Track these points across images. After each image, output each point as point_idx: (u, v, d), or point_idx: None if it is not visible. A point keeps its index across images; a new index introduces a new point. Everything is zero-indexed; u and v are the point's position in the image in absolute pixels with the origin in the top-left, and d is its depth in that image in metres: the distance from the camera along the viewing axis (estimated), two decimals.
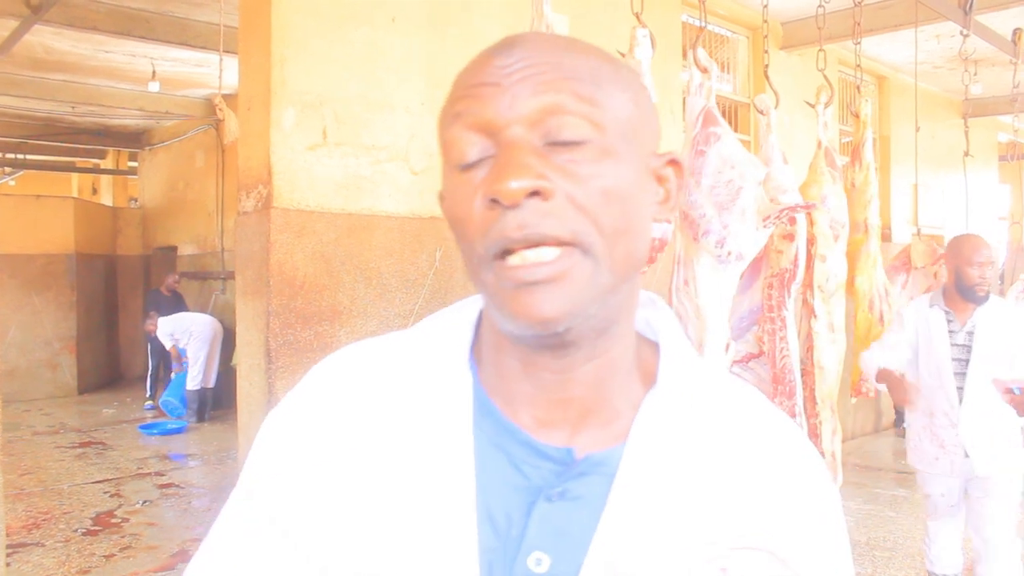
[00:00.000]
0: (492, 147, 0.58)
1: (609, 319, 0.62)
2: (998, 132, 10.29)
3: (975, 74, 4.80)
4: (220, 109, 2.92)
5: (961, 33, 4.69)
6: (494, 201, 0.56)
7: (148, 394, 8.80)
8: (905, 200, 8.06)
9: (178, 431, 7.62)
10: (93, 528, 4.72)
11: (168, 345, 8.11)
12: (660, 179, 0.65)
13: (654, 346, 0.69)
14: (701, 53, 2.81)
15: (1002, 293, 5.74)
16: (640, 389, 0.65)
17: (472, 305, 0.70)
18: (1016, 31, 5.72)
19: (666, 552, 0.59)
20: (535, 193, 0.55)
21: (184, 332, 8.05)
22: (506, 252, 0.56)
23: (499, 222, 0.56)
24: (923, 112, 5.20)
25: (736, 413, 0.66)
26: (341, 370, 0.69)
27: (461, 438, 0.62)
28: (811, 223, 3.09)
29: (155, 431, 7.53)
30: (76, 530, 4.68)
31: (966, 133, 4.63)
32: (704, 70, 2.81)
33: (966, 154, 4.55)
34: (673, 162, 0.65)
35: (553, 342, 0.60)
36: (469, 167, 0.59)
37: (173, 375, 8.24)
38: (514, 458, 0.62)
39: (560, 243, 0.56)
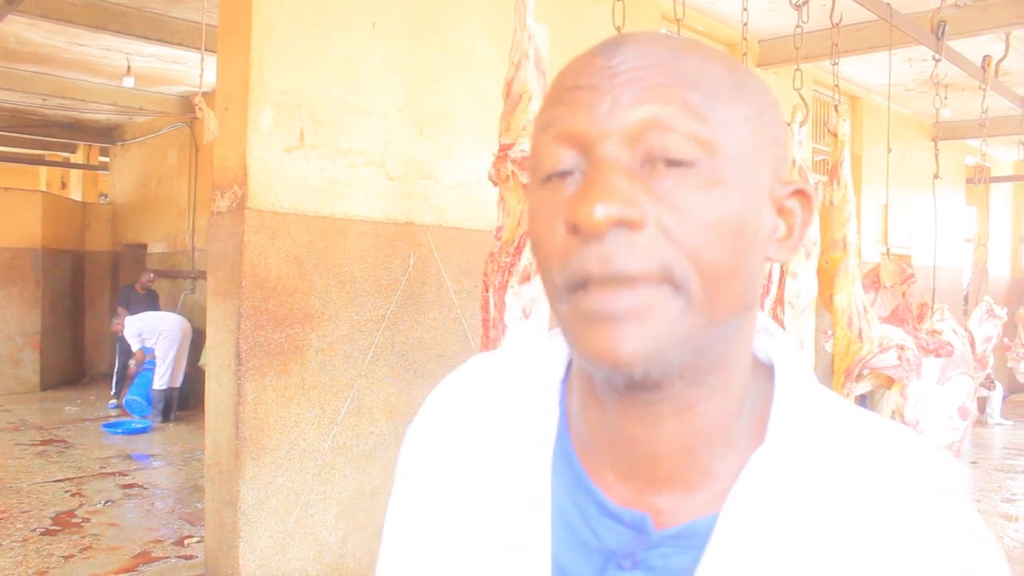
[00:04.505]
0: (583, 163, 0.51)
1: (703, 368, 0.53)
2: (965, 155, 10.49)
3: (945, 98, 4.89)
4: (200, 108, 2.89)
5: (933, 58, 4.78)
6: (576, 228, 0.49)
7: (113, 392, 8.67)
8: (875, 220, 8.19)
9: (143, 431, 7.51)
10: (52, 528, 4.64)
11: (135, 346, 8.01)
12: (782, 212, 0.55)
13: (769, 381, 0.58)
14: None
15: (966, 313, 5.84)
16: (747, 444, 0.55)
17: None
18: (985, 58, 5.84)
19: None
20: (623, 223, 0.48)
21: (153, 331, 7.96)
22: (585, 285, 0.49)
23: (580, 253, 0.49)
24: (894, 134, 5.28)
25: (866, 464, 0.53)
26: (455, 392, 0.67)
27: (540, 486, 0.57)
28: None
29: (119, 430, 7.41)
30: (35, 529, 4.59)
31: (936, 156, 4.71)
32: None
33: (936, 176, 4.63)
34: (800, 192, 0.56)
35: (632, 384, 0.51)
36: (555, 180, 0.52)
37: (137, 372, 8.14)
38: (588, 516, 0.56)
39: (648, 280, 0.48)
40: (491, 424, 0.62)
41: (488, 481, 0.59)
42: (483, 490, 0.59)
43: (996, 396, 9.39)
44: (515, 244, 2.16)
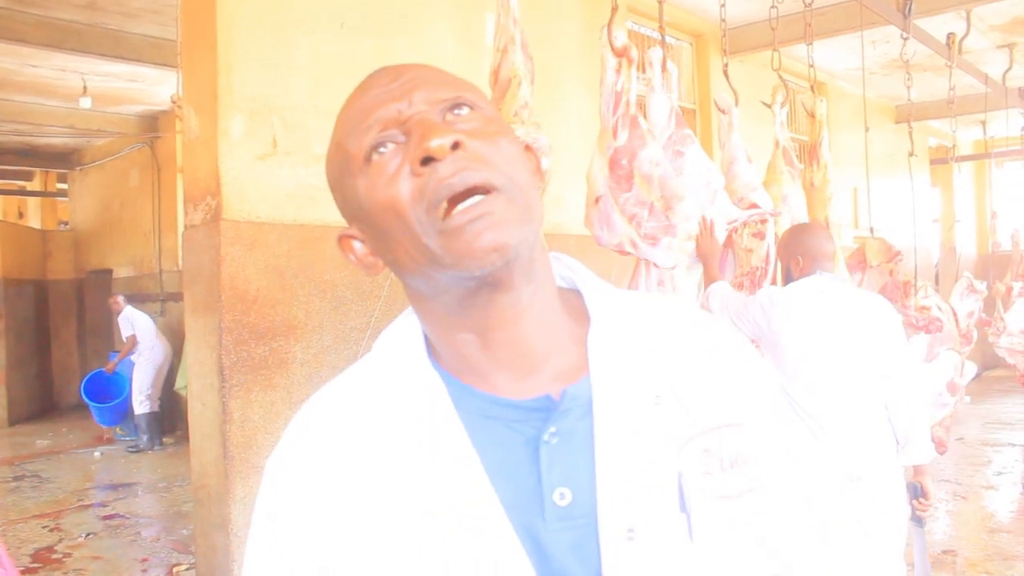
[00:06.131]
0: (401, 135, 0.68)
1: (534, 263, 0.70)
2: (928, 137, 10.61)
3: (909, 78, 4.91)
4: (179, 107, 2.79)
5: (901, 36, 4.79)
6: (424, 162, 0.65)
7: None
8: (845, 203, 8.22)
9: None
10: (32, 566, 4.46)
11: (127, 332, 7.91)
12: (527, 155, 0.76)
13: (577, 292, 0.78)
14: (662, 56, 2.78)
15: (938, 292, 5.86)
16: (580, 328, 0.74)
17: (409, 317, 0.77)
18: (950, 35, 5.89)
19: (657, 453, 0.68)
20: (456, 145, 0.65)
21: (142, 329, 7.90)
22: (446, 211, 0.65)
23: (433, 177, 0.65)
24: (858, 116, 5.30)
25: (666, 319, 0.76)
26: (324, 410, 0.75)
27: (450, 424, 0.68)
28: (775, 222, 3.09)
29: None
30: None
31: (910, 133, 4.72)
32: (666, 70, 2.79)
33: (911, 154, 4.64)
34: (527, 146, 0.77)
35: (503, 277, 0.67)
36: (375, 155, 0.68)
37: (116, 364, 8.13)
38: (505, 420, 0.69)
39: (484, 190, 0.65)
40: (381, 420, 0.71)
41: (403, 460, 0.68)
42: (402, 470, 0.68)
43: (967, 374, 9.45)
44: None
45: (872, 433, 2.54)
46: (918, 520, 2.78)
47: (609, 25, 2.34)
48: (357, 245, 0.74)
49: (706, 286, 2.80)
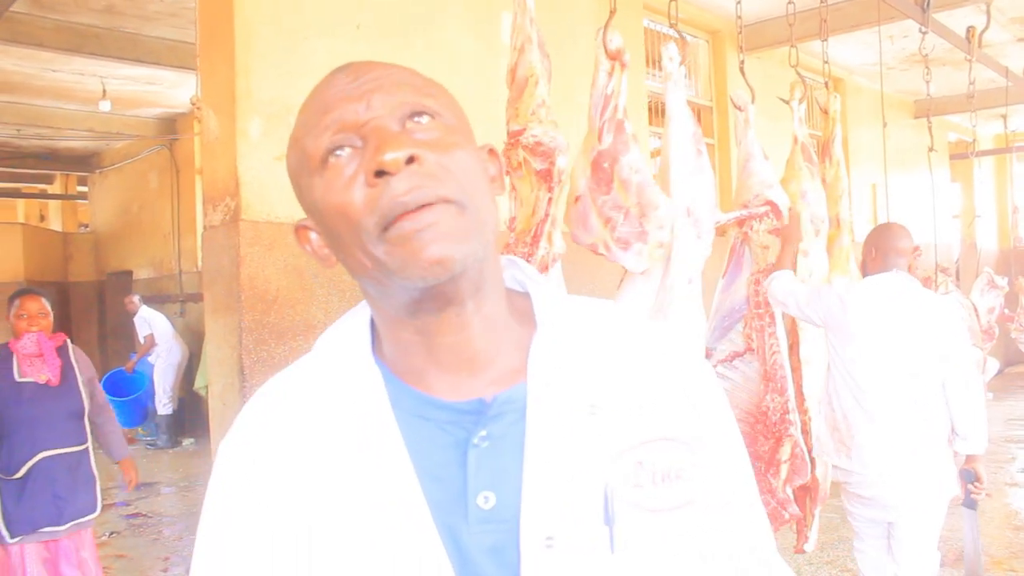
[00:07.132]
0: (358, 139, 0.67)
1: (483, 274, 0.70)
2: (948, 132, 10.52)
3: (927, 73, 4.87)
4: (199, 108, 2.82)
5: (920, 31, 4.75)
6: (378, 174, 0.64)
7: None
8: (864, 199, 8.17)
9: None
10: None
11: (144, 332, 8.03)
12: (489, 160, 0.76)
13: (527, 297, 0.78)
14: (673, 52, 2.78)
15: (959, 287, 5.82)
16: (526, 334, 0.74)
17: (360, 312, 0.77)
18: (970, 28, 5.84)
19: (586, 463, 0.68)
20: (411, 160, 0.65)
21: (160, 329, 8.00)
22: (394, 222, 0.64)
23: (386, 192, 0.64)
24: (877, 112, 5.26)
25: (613, 328, 0.76)
26: (273, 401, 0.75)
27: (385, 422, 0.69)
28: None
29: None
30: None
31: (930, 129, 4.69)
32: (682, 62, 2.78)
33: (931, 149, 4.60)
34: (491, 151, 0.77)
35: (449, 291, 0.67)
36: (331, 159, 0.68)
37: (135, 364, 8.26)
38: (438, 422, 0.70)
39: (439, 201, 0.65)
40: (323, 412, 0.72)
41: (340, 452, 0.69)
42: (338, 461, 0.69)
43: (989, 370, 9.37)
44: (531, 234, 2.09)
45: (921, 422, 2.75)
46: (971, 503, 3.00)
47: (605, 28, 2.34)
48: (313, 236, 0.74)
49: (778, 265, 2.92)
